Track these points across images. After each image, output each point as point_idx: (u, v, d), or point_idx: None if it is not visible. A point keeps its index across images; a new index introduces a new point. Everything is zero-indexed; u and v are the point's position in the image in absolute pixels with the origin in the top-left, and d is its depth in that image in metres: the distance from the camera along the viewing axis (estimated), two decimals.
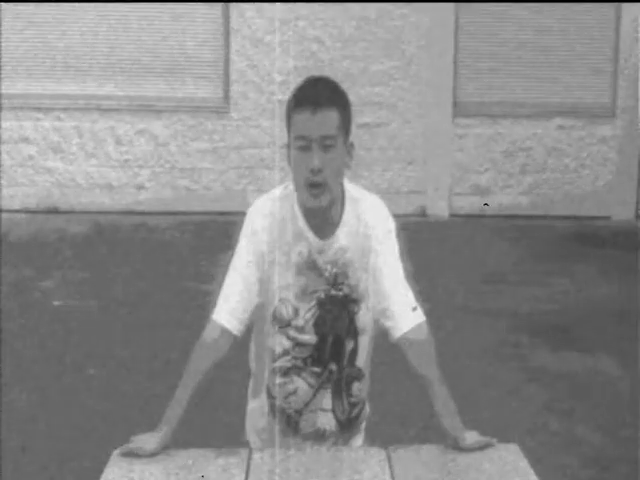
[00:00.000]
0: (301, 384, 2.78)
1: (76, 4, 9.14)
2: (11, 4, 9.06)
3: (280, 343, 2.75)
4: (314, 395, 2.78)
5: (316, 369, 2.77)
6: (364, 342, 2.80)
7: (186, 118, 9.29)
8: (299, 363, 2.76)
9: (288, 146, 2.67)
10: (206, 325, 2.72)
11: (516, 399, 5.39)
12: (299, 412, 2.80)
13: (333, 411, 2.81)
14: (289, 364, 2.76)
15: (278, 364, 2.77)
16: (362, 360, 2.82)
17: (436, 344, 2.77)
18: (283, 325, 2.74)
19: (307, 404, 2.79)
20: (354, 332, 2.78)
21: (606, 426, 5.08)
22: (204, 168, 9.32)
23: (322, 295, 2.73)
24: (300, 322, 2.74)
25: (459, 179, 9.48)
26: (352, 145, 2.70)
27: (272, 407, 2.83)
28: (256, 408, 2.91)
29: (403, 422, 4.88)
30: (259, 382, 2.87)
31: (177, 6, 9.23)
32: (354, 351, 2.80)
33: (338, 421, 2.83)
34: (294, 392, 2.78)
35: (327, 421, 2.82)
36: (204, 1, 9.18)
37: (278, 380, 2.78)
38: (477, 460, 2.62)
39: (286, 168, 2.72)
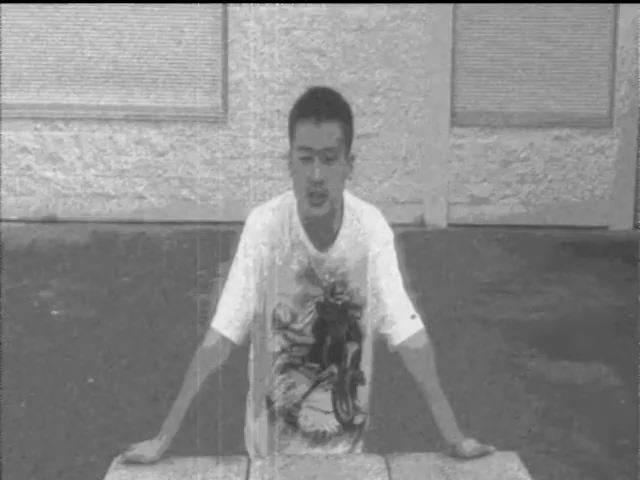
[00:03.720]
0: (299, 377, 2.80)
1: (74, 15, 9.16)
2: (10, 14, 9.08)
3: (278, 342, 2.78)
4: (312, 387, 2.80)
5: (314, 365, 2.79)
6: (367, 346, 2.83)
7: (185, 128, 9.30)
8: (297, 360, 2.79)
9: (289, 156, 2.69)
10: (206, 334, 2.74)
11: (514, 408, 5.40)
12: (297, 405, 2.82)
13: (335, 412, 2.83)
14: (287, 361, 2.79)
15: (277, 362, 2.79)
16: (366, 364, 2.84)
17: (434, 353, 2.79)
18: (281, 327, 2.76)
19: (305, 396, 2.81)
20: (357, 336, 2.80)
21: (604, 435, 5.09)
22: (202, 178, 9.33)
23: (321, 299, 2.75)
24: (299, 326, 2.76)
25: (457, 189, 9.50)
26: (353, 157, 2.73)
27: (272, 412, 2.84)
28: (255, 419, 2.92)
29: (402, 430, 4.89)
30: (258, 392, 2.89)
31: (176, 16, 9.25)
32: (358, 354, 2.82)
33: (341, 422, 2.84)
34: (292, 385, 2.81)
35: (328, 423, 2.83)
36: (202, 2, 9.18)
37: (277, 377, 2.80)
38: (476, 468, 2.63)
39: (285, 178, 2.73)
